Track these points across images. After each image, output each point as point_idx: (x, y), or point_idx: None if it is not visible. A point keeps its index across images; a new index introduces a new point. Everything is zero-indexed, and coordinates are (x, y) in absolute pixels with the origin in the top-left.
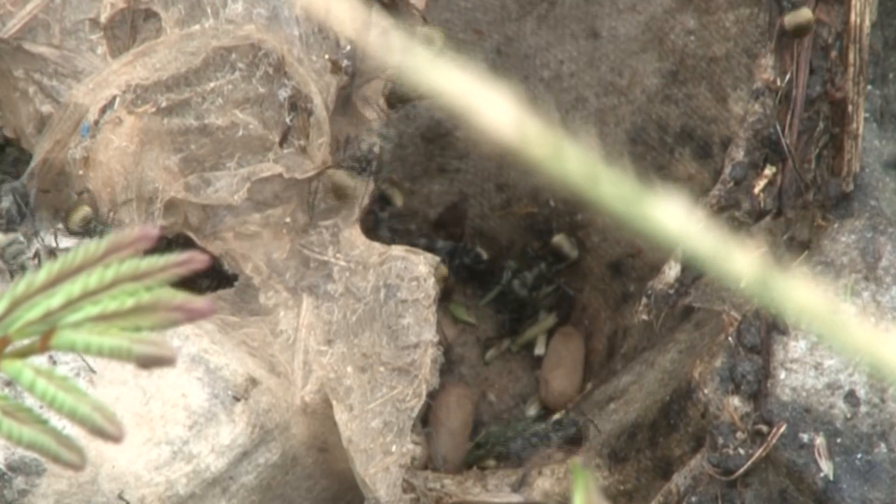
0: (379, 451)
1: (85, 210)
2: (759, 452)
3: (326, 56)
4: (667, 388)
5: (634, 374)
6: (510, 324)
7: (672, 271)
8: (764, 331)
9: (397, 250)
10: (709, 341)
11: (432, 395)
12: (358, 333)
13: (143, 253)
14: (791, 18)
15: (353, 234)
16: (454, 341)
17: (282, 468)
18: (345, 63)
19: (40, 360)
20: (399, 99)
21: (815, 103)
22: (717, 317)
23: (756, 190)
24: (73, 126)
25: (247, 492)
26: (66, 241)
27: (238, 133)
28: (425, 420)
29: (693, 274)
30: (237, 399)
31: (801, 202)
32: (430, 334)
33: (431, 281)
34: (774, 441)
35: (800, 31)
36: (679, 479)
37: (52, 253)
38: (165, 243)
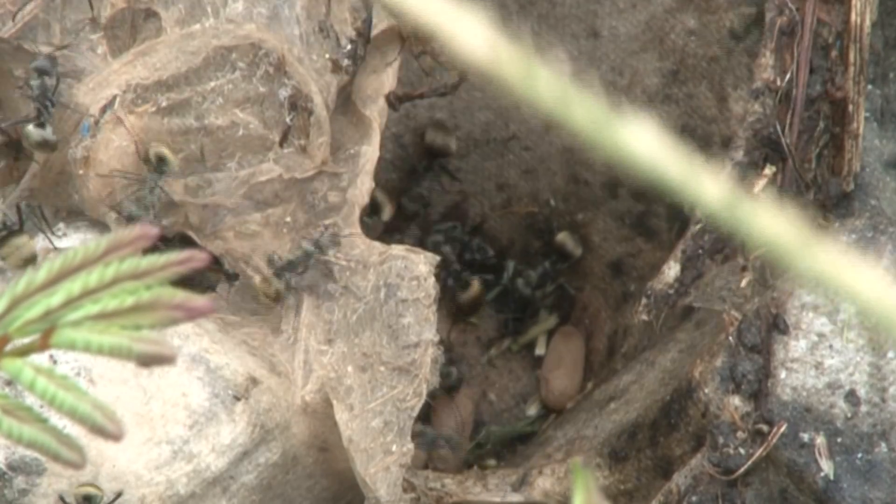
0: (379, 450)
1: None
2: (759, 452)
3: (327, 55)
4: (667, 387)
5: (635, 374)
6: (513, 323)
7: (672, 271)
8: (764, 330)
9: (397, 250)
10: (709, 341)
11: (432, 395)
12: (358, 333)
13: (143, 251)
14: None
15: (354, 234)
16: (455, 340)
17: (282, 468)
18: (345, 62)
19: (41, 359)
20: (399, 98)
21: (816, 103)
22: (718, 316)
23: (756, 190)
24: (73, 125)
25: (247, 491)
26: (65, 242)
27: (238, 133)
28: (426, 420)
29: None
30: (237, 398)
31: (801, 202)
32: (430, 333)
33: (432, 280)
34: (775, 440)
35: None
36: (679, 479)
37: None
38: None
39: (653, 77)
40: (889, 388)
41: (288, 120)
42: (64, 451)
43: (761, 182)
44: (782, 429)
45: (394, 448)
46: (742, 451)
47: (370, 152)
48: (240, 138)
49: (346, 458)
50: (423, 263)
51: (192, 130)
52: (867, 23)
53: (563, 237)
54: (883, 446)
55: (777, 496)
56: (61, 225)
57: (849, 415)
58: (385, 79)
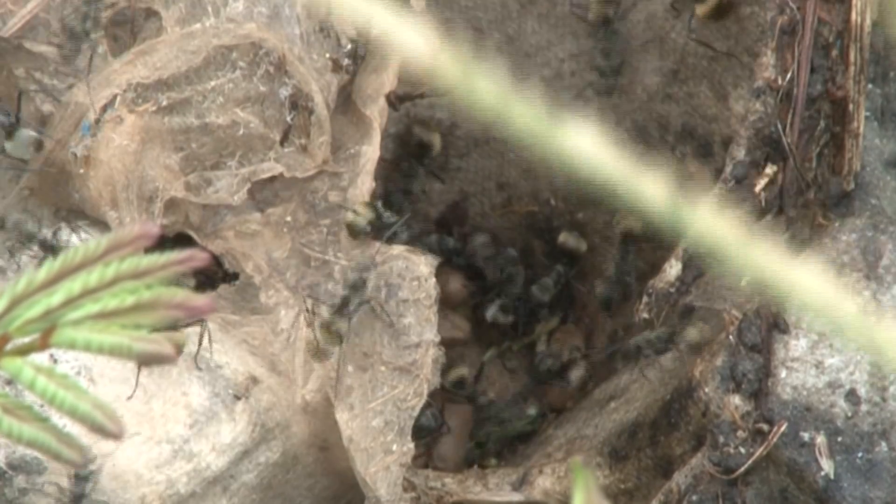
0: (380, 450)
1: None
2: (759, 451)
3: (327, 55)
4: (667, 386)
5: (635, 373)
6: (522, 327)
7: (673, 270)
8: (765, 329)
9: (398, 250)
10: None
11: (433, 395)
12: (359, 333)
13: (143, 251)
14: None
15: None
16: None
17: (282, 467)
18: (346, 62)
19: (41, 358)
20: (400, 98)
21: (816, 102)
22: (718, 315)
23: (757, 189)
24: (73, 125)
25: (247, 490)
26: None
27: (239, 132)
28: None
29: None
30: (238, 398)
31: (802, 201)
32: (431, 334)
33: (432, 281)
34: (775, 440)
35: None
36: (680, 478)
37: (53, 250)
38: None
39: (653, 76)
40: (889, 387)
41: (288, 119)
42: (64, 450)
43: (762, 181)
44: (783, 428)
45: (394, 447)
46: (742, 450)
47: (370, 152)
48: (240, 137)
49: (347, 458)
50: (423, 264)
51: (193, 129)
52: (868, 22)
53: (564, 237)
54: (883, 445)
55: (777, 495)
56: (62, 224)
57: (849, 414)
58: (385, 78)
